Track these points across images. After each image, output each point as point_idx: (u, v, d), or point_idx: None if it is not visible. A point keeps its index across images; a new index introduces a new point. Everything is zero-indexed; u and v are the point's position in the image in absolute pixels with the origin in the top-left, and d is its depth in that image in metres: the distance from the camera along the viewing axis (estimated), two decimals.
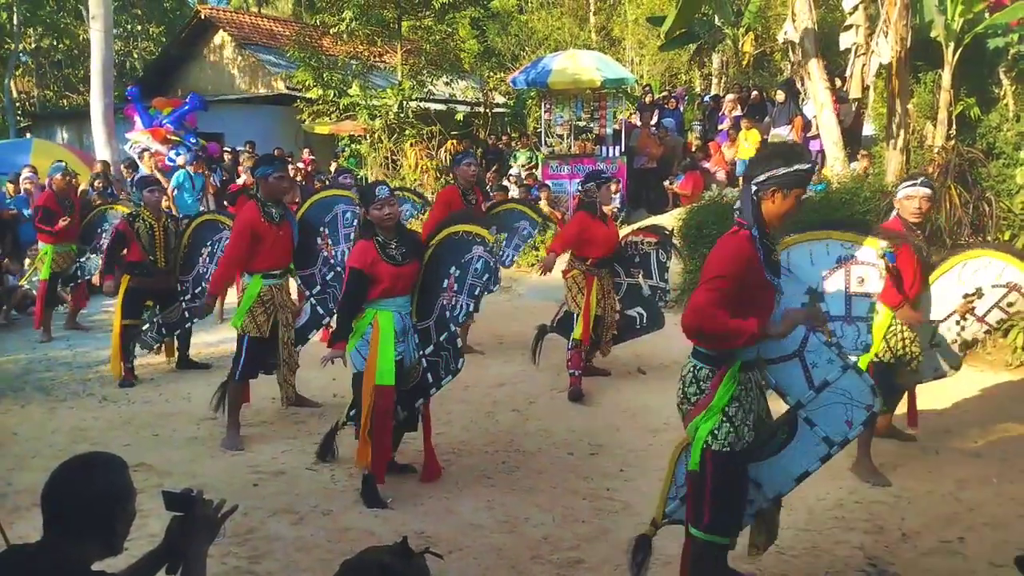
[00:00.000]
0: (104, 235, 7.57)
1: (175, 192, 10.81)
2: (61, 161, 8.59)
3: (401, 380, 4.15)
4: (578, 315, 5.83)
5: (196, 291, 6.33)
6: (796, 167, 2.70)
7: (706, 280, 2.69)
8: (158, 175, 10.26)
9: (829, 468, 4.38)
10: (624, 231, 6.35)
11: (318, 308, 5.41)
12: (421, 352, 4.22)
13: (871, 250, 2.97)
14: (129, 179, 11.75)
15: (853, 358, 3.01)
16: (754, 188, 2.74)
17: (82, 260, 7.89)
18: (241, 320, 4.98)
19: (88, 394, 6.10)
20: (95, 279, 7.95)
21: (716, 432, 2.77)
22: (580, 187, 6.11)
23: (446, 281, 4.18)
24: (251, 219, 4.90)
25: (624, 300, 6.13)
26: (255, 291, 4.98)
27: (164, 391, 6.16)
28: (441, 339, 4.20)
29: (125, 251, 6.39)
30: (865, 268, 2.97)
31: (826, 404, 2.93)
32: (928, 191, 4.28)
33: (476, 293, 4.18)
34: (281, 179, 5.03)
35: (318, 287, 5.38)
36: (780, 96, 12.25)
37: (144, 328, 6.40)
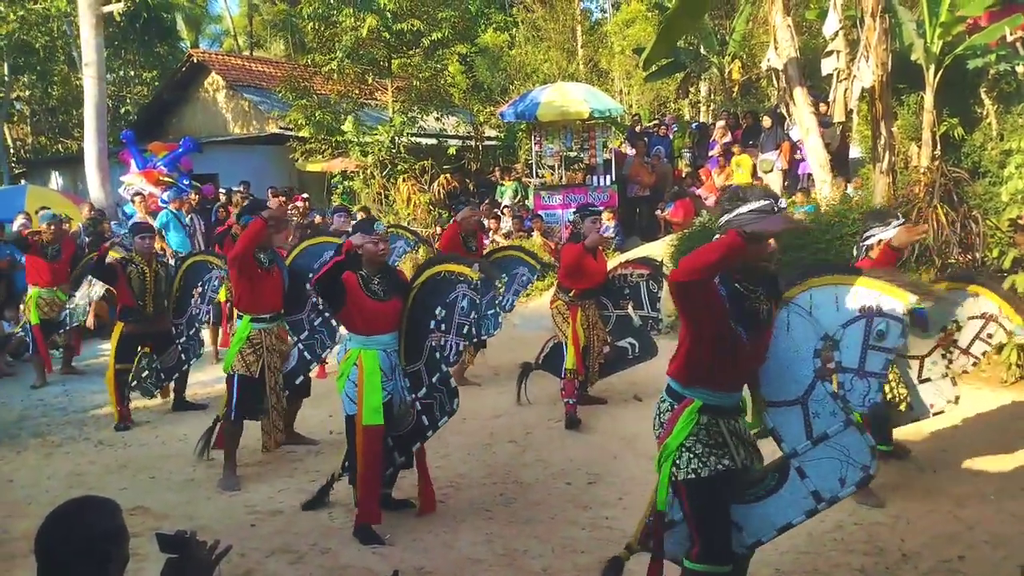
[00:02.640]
0: (91, 282, 7.63)
1: (161, 232, 10.88)
2: (48, 209, 8.66)
3: (393, 423, 4.12)
4: (567, 344, 5.85)
5: (191, 332, 6.33)
6: (739, 210, 2.67)
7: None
8: (149, 219, 10.32)
9: None
10: (612, 263, 6.39)
11: (305, 353, 5.38)
12: (414, 396, 4.18)
13: (900, 303, 2.75)
14: (116, 223, 11.83)
15: (856, 416, 2.85)
16: (717, 235, 2.71)
17: (70, 307, 7.89)
18: (231, 361, 4.98)
19: (84, 438, 6.08)
20: (89, 321, 7.98)
21: (678, 463, 2.76)
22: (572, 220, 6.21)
23: (432, 322, 4.14)
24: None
25: (614, 332, 6.16)
26: (244, 334, 4.99)
27: (160, 433, 6.15)
28: (433, 380, 4.16)
29: (110, 286, 6.41)
30: (888, 321, 2.76)
31: (821, 457, 2.83)
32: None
33: (464, 331, 4.13)
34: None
35: (306, 332, 5.38)
36: (767, 122, 12.40)
37: (144, 375, 6.35)
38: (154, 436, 6.07)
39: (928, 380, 4.50)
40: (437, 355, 4.15)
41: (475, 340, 4.92)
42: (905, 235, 4.22)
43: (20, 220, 10.42)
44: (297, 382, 5.40)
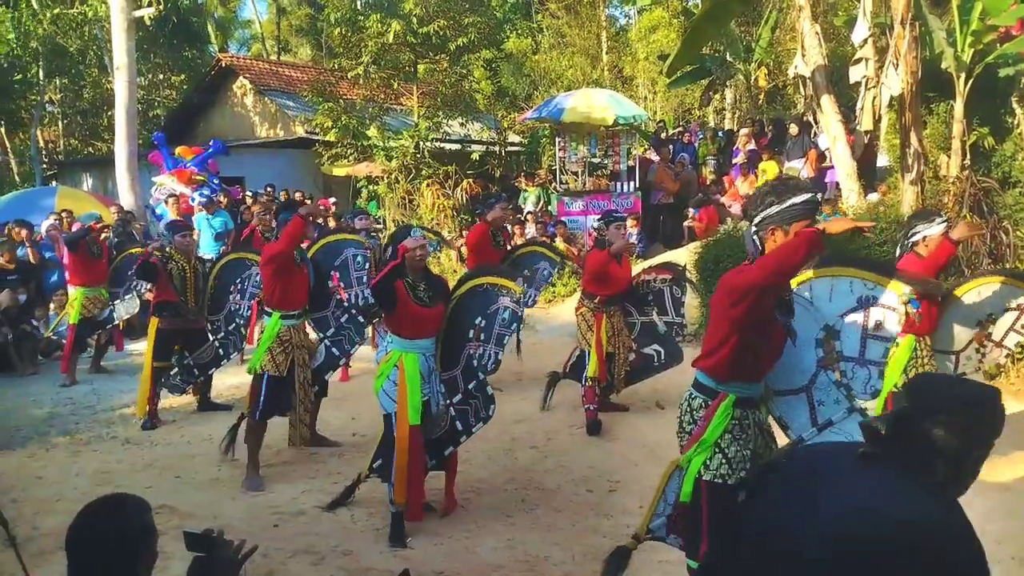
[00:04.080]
0: (135, 281, 7.76)
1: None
2: (95, 211, 8.82)
3: (428, 426, 4.19)
4: (590, 352, 5.85)
5: (229, 328, 6.41)
6: (790, 202, 2.65)
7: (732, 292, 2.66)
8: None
9: None
10: (636, 269, 6.37)
11: (333, 350, 5.46)
12: (448, 401, 4.25)
13: (894, 294, 2.90)
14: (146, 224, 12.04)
15: (860, 403, 2.94)
16: (753, 229, 2.73)
17: (115, 303, 8.00)
18: (260, 360, 5.03)
19: (111, 437, 6.17)
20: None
21: (708, 463, 2.76)
22: (596, 224, 6.19)
23: (472, 331, 4.24)
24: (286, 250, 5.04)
25: (639, 338, 6.15)
26: (274, 330, 5.06)
27: (186, 433, 6.22)
28: (470, 387, 4.25)
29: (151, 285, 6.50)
30: (885, 312, 2.91)
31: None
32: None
33: (504, 342, 4.23)
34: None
35: (332, 329, 5.46)
36: (794, 129, 12.30)
37: (172, 372, 6.43)
38: (180, 436, 6.14)
39: (963, 375, 4.52)
40: (475, 363, 4.24)
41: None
42: (965, 229, 4.39)
43: (51, 220, 10.63)
44: (326, 377, 5.49)
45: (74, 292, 8.09)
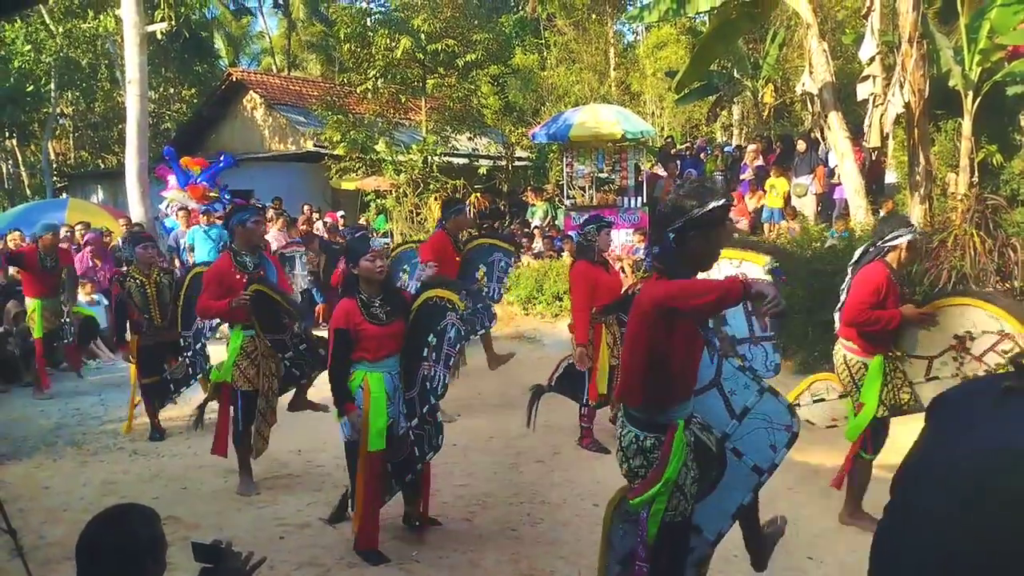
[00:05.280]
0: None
1: (192, 249, 11.11)
2: (54, 223, 8.93)
3: (393, 447, 4.03)
4: (588, 375, 5.61)
5: (197, 347, 6.18)
6: (711, 206, 2.53)
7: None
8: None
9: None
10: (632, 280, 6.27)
11: (293, 369, 5.14)
12: (408, 425, 4.07)
13: (755, 266, 2.94)
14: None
15: (766, 382, 2.95)
16: (671, 236, 2.58)
17: (67, 320, 8.03)
18: (229, 373, 4.94)
19: (118, 448, 6.18)
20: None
21: (669, 504, 2.62)
22: (579, 230, 5.90)
23: (425, 350, 4.00)
24: (220, 269, 4.95)
25: None
26: (237, 343, 4.95)
27: (193, 444, 6.22)
28: (424, 411, 4.04)
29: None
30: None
31: (749, 431, 2.91)
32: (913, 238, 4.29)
33: (451, 363, 4.02)
34: (257, 224, 5.08)
35: (290, 352, 5.08)
36: (801, 146, 12.33)
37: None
38: (187, 447, 6.15)
39: (935, 379, 4.41)
40: (427, 385, 4.01)
41: (473, 336, 4.90)
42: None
43: (62, 232, 10.72)
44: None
45: (32, 303, 7.99)
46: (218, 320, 5.88)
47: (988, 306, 4.27)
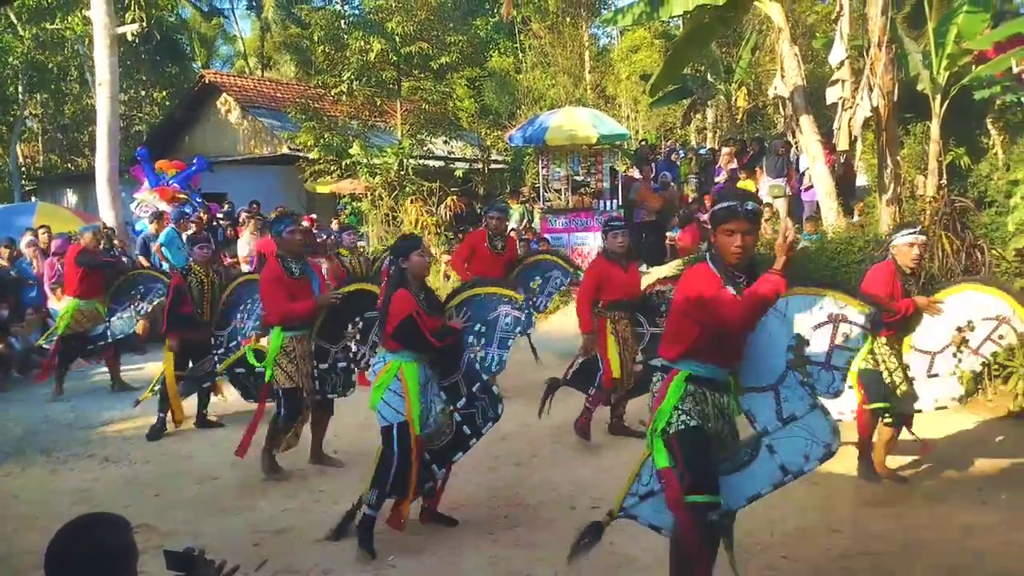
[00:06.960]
0: (140, 297, 7.75)
1: (163, 248, 11.02)
2: (97, 223, 8.78)
3: (428, 437, 4.20)
4: (602, 360, 5.79)
5: (231, 345, 6.33)
6: (721, 204, 2.98)
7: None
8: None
9: (831, 521, 4.38)
10: (648, 279, 6.24)
11: (319, 381, 5.33)
12: (452, 407, 4.28)
13: (861, 313, 3.17)
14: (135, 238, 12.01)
15: (822, 400, 3.19)
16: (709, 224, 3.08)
17: (110, 319, 7.86)
18: (270, 373, 5.10)
19: (89, 455, 6.09)
20: (139, 328, 8.19)
21: (671, 421, 3.02)
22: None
23: (471, 337, 4.28)
24: (276, 275, 5.13)
25: (648, 350, 5.84)
26: (278, 343, 5.13)
27: (166, 451, 6.16)
28: (473, 389, 4.27)
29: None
30: (852, 327, 3.16)
31: (789, 436, 3.15)
32: (925, 239, 4.68)
33: (508, 344, 4.27)
34: (292, 233, 5.23)
35: (326, 364, 5.29)
36: (779, 150, 12.43)
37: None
38: (160, 453, 6.08)
39: (936, 376, 4.74)
40: (476, 366, 4.27)
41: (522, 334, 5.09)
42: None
43: (28, 237, 10.55)
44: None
45: (67, 303, 7.95)
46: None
47: (987, 288, 4.66)
